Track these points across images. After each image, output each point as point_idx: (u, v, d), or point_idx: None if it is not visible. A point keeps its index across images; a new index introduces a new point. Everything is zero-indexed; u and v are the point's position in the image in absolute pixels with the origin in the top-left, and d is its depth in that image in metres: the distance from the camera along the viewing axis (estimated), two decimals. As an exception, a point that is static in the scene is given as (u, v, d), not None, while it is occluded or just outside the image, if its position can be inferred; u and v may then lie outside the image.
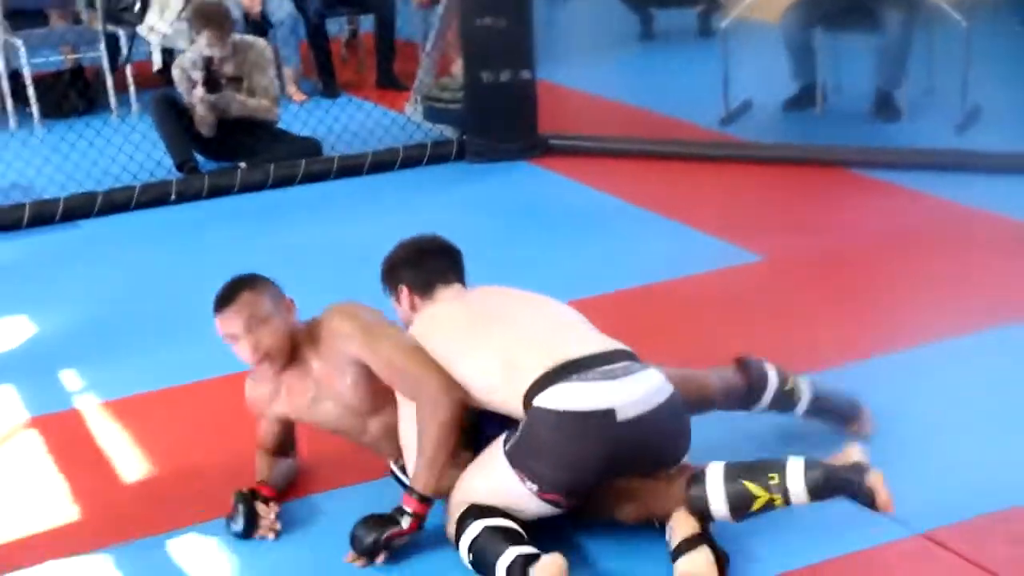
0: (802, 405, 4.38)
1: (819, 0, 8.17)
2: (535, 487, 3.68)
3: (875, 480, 3.61)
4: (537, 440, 3.68)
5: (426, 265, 4.26)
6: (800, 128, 8.14)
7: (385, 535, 3.83)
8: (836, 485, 3.63)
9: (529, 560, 3.53)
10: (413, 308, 4.22)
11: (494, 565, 3.59)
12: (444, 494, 3.91)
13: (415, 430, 3.90)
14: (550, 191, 7.39)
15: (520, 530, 3.70)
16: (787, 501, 3.62)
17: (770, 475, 3.63)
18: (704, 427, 4.05)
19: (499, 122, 7.83)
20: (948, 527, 3.99)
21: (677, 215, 6.77)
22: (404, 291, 4.25)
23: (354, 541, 3.87)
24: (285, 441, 4.42)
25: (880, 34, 8.05)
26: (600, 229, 6.79)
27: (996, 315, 5.41)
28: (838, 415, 4.42)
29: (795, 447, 3.90)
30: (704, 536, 3.64)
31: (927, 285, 5.86)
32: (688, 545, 3.62)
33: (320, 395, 4.21)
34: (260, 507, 4.12)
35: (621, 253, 6.38)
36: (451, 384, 3.85)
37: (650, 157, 7.70)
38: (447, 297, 4.20)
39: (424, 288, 4.21)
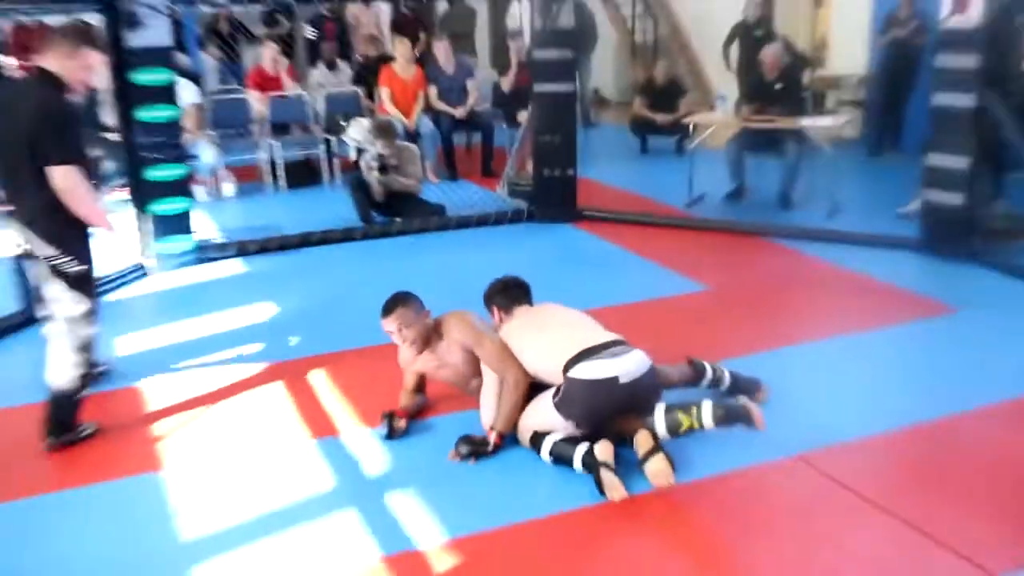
0: (725, 384, 4.51)
1: (746, 135, 8.16)
2: (572, 423, 3.94)
3: (755, 411, 3.87)
4: (572, 396, 3.91)
5: (508, 295, 4.51)
6: (734, 211, 8.12)
7: (477, 451, 4.07)
8: (731, 417, 3.86)
9: (590, 450, 3.81)
10: (501, 321, 4.44)
11: (571, 458, 3.88)
12: (512, 431, 4.11)
13: (492, 394, 4.19)
14: (582, 243, 7.38)
15: (576, 436, 3.95)
16: (702, 425, 3.85)
17: (692, 408, 3.88)
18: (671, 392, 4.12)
19: (554, 199, 7.82)
20: (816, 450, 4.06)
21: (658, 260, 6.77)
22: (495, 310, 4.50)
23: (457, 447, 4.08)
24: (419, 385, 4.56)
25: (782, 156, 8.04)
26: (612, 267, 6.81)
27: (845, 326, 5.45)
28: (747, 390, 4.46)
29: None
30: (658, 447, 3.82)
31: (807, 308, 5.92)
32: (649, 454, 3.81)
33: (442, 365, 4.42)
34: (396, 422, 4.31)
35: (623, 282, 6.39)
36: (524, 372, 4.12)
37: (644, 224, 7.70)
38: (520, 313, 4.41)
39: (507, 309, 4.45)
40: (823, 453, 4.04)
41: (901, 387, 4.81)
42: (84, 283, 4.36)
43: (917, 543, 3.44)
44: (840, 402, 4.57)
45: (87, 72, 4.44)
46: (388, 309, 4.31)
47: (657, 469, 3.76)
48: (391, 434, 4.28)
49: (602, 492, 3.73)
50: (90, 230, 4.38)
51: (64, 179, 4.14)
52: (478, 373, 4.34)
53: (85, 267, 4.35)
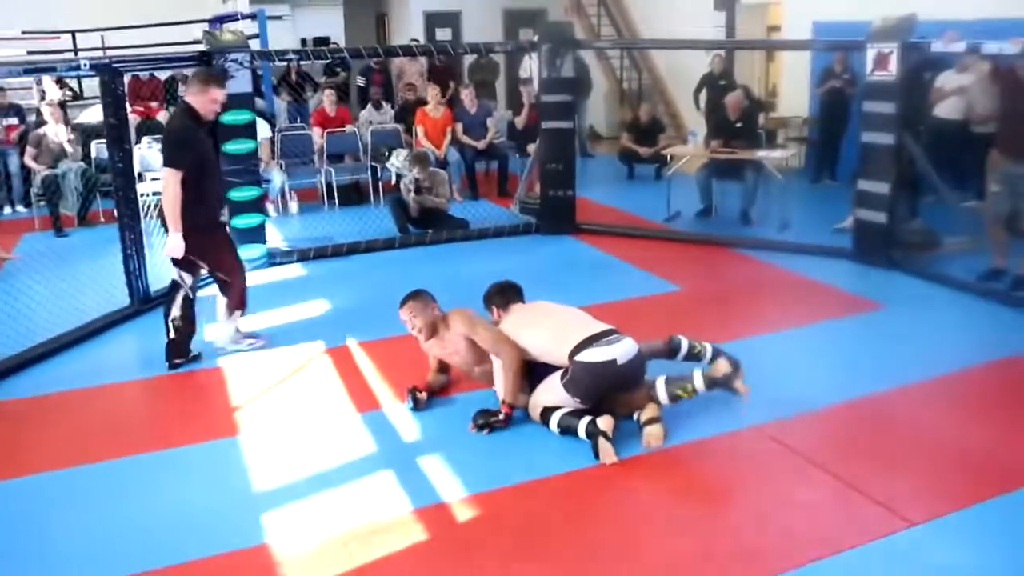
0: (706, 357, 4.33)
1: (713, 163, 8.05)
2: (578, 400, 3.88)
3: (738, 380, 3.94)
4: (579, 377, 3.85)
5: (504, 295, 4.37)
6: (704, 226, 7.99)
7: (491, 421, 3.99)
8: (718, 383, 3.92)
9: (593, 421, 3.77)
10: (499, 317, 4.32)
11: (576, 428, 3.82)
12: (520, 406, 4.04)
13: (501, 375, 4.06)
14: (580, 251, 7.27)
15: (580, 410, 3.89)
16: (695, 390, 3.90)
17: (686, 382, 3.93)
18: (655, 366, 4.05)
19: (557, 215, 7.71)
20: (771, 422, 4.01)
21: (641, 265, 6.65)
22: (494, 309, 4.37)
23: (474, 420, 4.01)
24: (443, 367, 4.46)
25: (743, 181, 7.94)
26: (604, 271, 6.68)
27: (793, 320, 5.36)
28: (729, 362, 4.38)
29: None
30: (658, 417, 3.84)
31: (762, 305, 5.81)
32: (651, 421, 3.82)
33: (450, 352, 4.34)
34: (418, 395, 4.26)
35: (613, 282, 6.28)
36: (518, 352, 4.02)
37: (630, 236, 7.57)
38: (515, 310, 4.29)
39: (503, 307, 4.32)
40: (776, 424, 3.99)
41: (839, 369, 4.74)
42: (213, 268, 4.93)
43: (849, 496, 3.41)
44: (790, 382, 4.48)
45: (214, 104, 4.75)
46: (403, 302, 4.32)
47: (654, 432, 3.79)
48: (416, 405, 4.23)
49: (597, 456, 3.71)
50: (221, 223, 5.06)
51: (165, 178, 4.60)
52: (481, 361, 4.27)
53: (206, 256, 4.82)
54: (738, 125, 8.01)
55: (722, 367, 3.93)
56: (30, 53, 10.80)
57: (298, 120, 10.71)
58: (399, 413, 4.25)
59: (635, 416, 3.87)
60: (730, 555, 3.10)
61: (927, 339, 5.05)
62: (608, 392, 3.92)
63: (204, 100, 4.66)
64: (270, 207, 8.38)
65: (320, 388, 4.59)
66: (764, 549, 3.12)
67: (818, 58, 9.53)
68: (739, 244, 7.21)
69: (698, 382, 3.90)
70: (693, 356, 4.35)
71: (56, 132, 8.26)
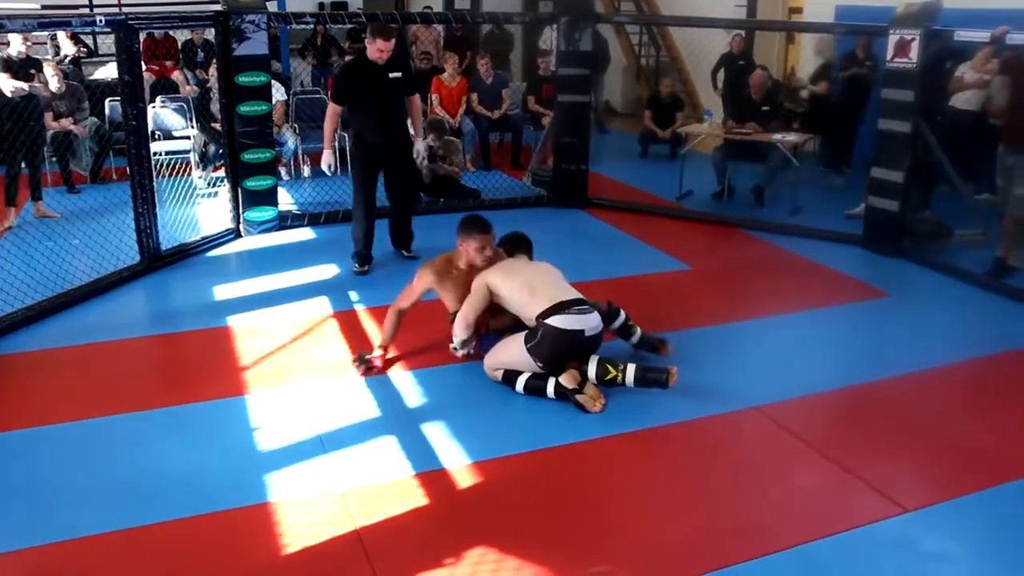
0: (634, 338, 4.51)
1: (730, 143, 8.02)
2: (541, 364, 4.01)
3: (671, 375, 3.93)
4: (545, 341, 3.98)
5: (512, 245, 4.59)
6: (715, 206, 7.97)
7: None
8: (649, 382, 3.96)
9: (558, 382, 3.95)
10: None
11: (545, 388, 3.99)
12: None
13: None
14: (590, 225, 7.28)
15: (544, 373, 4.03)
16: (624, 381, 3.96)
17: (619, 364, 3.99)
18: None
19: (569, 189, 7.71)
20: (771, 403, 4.06)
21: (651, 242, 6.68)
22: (502, 251, 4.54)
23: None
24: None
25: (761, 162, 7.91)
26: (613, 245, 6.71)
27: (801, 304, 5.39)
28: (653, 345, 4.51)
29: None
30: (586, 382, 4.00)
31: (771, 288, 5.81)
32: (581, 386, 3.97)
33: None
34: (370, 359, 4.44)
35: (622, 258, 6.31)
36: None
37: (641, 213, 7.58)
38: (516, 258, 4.49)
39: (510, 253, 4.52)
40: (776, 406, 4.03)
41: (842, 355, 4.80)
42: None
43: (845, 480, 3.45)
44: (793, 365, 4.53)
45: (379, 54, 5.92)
46: (488, 228, 4.47)
47: (591, 395, 3.93)
48: (367, 371, 4.36)
49: (585, 410, 3.90)
50: None
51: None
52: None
53: None
54: (764, 108, 7.94)
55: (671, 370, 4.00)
56: (45, 8, 10.77)
57: (322, 82, 10.69)
58: (404, 379, 4.30)
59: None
60: (723, 531, 3.15)
61: (932, 329, 5.08)
62: (566, 359, 4.03)
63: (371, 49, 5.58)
64: (282, 170, 8.40)
65: (327, 351, 4.64)
66: (757, 527, 3.17)
67: (840, 44, 9.47)
68: (750, 226, 7.21)
69: (630, 375, 3.97)
70: (624, 331, 4.48)
71: (59, 89, 8.11)
